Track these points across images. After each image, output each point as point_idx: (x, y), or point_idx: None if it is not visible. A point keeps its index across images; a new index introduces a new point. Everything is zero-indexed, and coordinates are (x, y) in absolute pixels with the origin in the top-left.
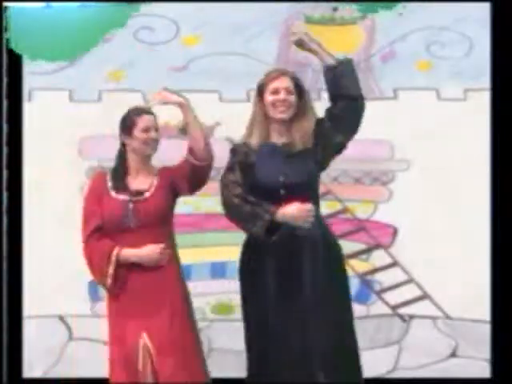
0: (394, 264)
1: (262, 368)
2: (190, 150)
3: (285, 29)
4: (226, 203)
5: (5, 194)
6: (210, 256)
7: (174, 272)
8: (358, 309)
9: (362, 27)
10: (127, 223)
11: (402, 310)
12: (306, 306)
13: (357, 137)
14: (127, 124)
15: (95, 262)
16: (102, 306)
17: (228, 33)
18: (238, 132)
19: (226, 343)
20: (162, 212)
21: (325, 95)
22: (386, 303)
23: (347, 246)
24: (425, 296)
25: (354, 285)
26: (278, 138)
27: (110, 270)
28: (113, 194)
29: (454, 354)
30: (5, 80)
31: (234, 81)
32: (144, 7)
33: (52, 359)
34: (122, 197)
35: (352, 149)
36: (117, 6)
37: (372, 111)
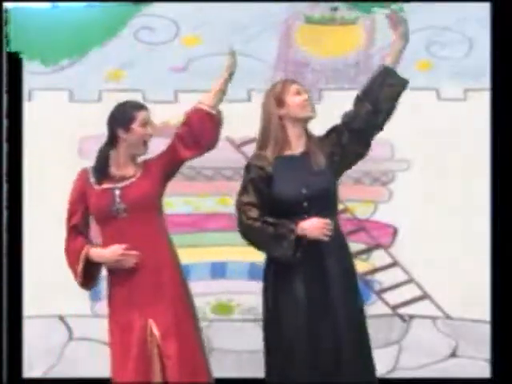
0: (394, 264)
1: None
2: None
3: (285, 29)
4: (245, 228)
5: (5, 194)
6: (210, 256)
7: (169, 256)
8: None
9: (362, 27)
10: (115, 210)
11: (402, 310)
12: (334, 306)
13: None
14: (125, 118)
15: (70, 260)
16: (102, 306)
17: (228, 33)
18: (239, 132)
19: (225, 343)
20: (149, 195)
21: (325, 95)
22: (386, 303)
23: None
24: (425, 296)
25: None
26: (295, 148)
27: (79, 269)
28: (96, 187)
29: (454, 354)
30: (5, 80)
31: (234, 81)
32: (144, 7)
33: (52, 359)
34: (106, 185)
35: None
36: (120, 6)
37: None
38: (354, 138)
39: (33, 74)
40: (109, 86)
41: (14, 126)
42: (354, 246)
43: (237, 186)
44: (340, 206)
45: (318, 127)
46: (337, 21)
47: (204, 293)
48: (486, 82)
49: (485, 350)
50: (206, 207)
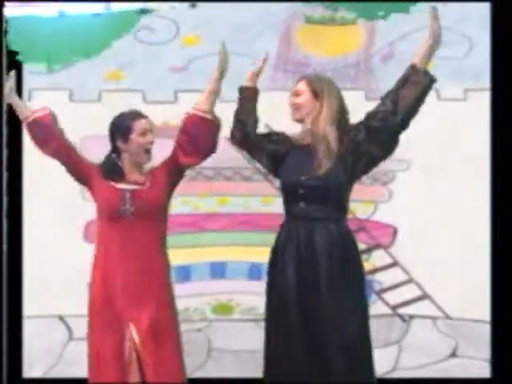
0: (394, 264)
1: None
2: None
3: (285, 29)
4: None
5: (5, 194)
6: (210, 256)
7: (163, 265)
8: None
9: (362, 27)
10: (122, 211)
11: (402, 310)
12: (321, 305)
13: None
14: (122, 129)
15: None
16: None
17: (228, 33)
18: None
19: (225, 343)
20: (157, 205)
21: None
22: (386, 303)
23: None
24: (425, 296)
25: None
26: (303, 139)
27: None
28: (108, 182)
29: (453, 354)
30: (5, 80)
31: (233, 80)
32: (144, 7)
33: (52, 359)
34: (119, 185)
35: None
36: (124, 13)
37: None
38: (370, 137)
39: (33, 74)
40: (109, 86)
41: (14, 126)
42: None
43: (237, 185)
44: None
45: None
46: (337, 21)
47: (204, 293)
48: (486, 82)
49: (485, 350)
50: (206, 207)
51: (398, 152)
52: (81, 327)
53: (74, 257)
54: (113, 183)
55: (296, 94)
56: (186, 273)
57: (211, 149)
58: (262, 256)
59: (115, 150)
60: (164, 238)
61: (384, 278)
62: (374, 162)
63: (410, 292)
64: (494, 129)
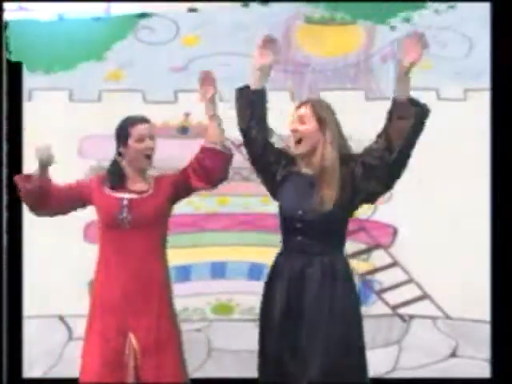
0: (394, 264)
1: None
2: (210, 143)
3: (285, 29)
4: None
5: (5, 194)
6: (210, 256)
7: (162, 274)
8: None
9: (362, 27)
10: (120, 219)
11: (402, 310)
12: (305, 331)
13: (356, 137)
14: (122, 134)
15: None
16: None
17: (228, 33)
18: (239, 132)
19: (225, 343)
20: (157, 214)
21: (325, 95)
22: (386, 303)
23: (347, 246)
24: (425, 296)
25: None
26: (303, 167)
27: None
28: (108, 192)
29: (453, 354)
30: (5, 80)
31: (234, 81)
32: (144, 7)
33: (52, 359)
34: (118, 194)
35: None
36: (124, 17)
37: (372, 111)
38: (366, 173)
39: (33, 74)
40: (109, 86)
41: (14, 126)
42: (354, 246)
43: (237, 185)
44: None
45: None
46: (337, 21)
47: (204, 293)
48: (486, 82)
49: (485, 350)
50: (206, 207)
51: None
52: (81, 327)
53: (74, 257)
54: (112, 192)
55: (300, 120)
56: (186, 273)
57: (223, 178)
58: (262, 256)
59: (120, 154)
60: (164, 246)
61: (384, 278)
62: (372, 197)
63: (409, 292)
64: (494, 129)
